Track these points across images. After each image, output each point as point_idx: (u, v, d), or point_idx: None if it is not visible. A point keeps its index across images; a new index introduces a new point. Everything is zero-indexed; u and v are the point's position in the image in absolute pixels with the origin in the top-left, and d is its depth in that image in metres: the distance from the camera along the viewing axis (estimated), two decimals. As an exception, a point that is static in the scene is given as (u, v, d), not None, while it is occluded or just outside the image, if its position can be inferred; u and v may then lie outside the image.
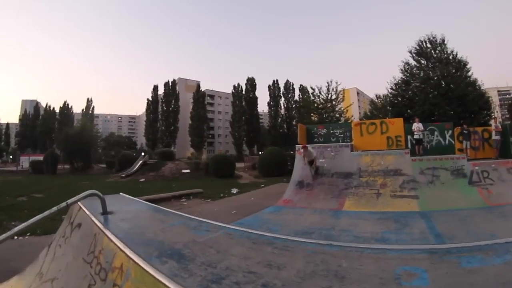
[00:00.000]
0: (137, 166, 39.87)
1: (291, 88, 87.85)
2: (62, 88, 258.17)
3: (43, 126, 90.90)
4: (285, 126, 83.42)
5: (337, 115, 41.80)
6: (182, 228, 4.46)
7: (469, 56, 35.37)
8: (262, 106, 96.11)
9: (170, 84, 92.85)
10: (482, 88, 34.71)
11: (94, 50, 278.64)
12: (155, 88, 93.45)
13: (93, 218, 4.28)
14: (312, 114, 43.62)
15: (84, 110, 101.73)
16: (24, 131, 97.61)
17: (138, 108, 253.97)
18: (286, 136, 76.45)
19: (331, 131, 18.64)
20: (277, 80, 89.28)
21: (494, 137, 16.88)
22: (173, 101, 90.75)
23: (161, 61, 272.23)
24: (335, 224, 10.28)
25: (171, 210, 5.87)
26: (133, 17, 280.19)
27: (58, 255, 4.67)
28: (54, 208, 4.51)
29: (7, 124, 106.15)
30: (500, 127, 17.14)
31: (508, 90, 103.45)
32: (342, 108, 43.18)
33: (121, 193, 7.40)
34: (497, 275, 2.39)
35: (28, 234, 9.90)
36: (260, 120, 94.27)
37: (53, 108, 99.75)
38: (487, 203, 12.45)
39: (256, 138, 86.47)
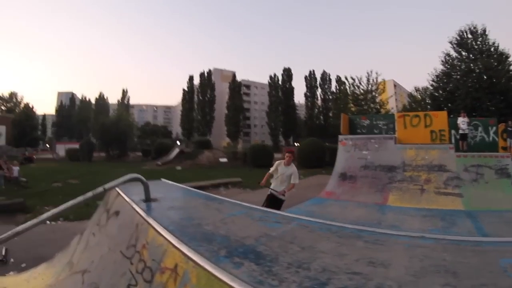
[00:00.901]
0: (174, 154, 39.96)
1: (327, 79, 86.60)
2: (98, 79, 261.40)
3: (79, 116, 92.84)
4: (321, 117, 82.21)
5: (377, 107, 41.41)
6: (246, 219, 3.78)
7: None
8: (299, 97, 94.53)
9: (206, 74, 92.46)
10: None
11: (130, 41, 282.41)
12: (191, 78, 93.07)
13: (134, 205, 3.82)
14: (351, 105, 43.02)
15: (120, 100, 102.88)
16: (60, 121, 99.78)
17: (173, 98, 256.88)
18: (322, 128, 75.08)
19: (374, 123, 18.09)
20: (313, 71, 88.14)
21: None
22: (208, 90, 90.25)
23: (197, 52, 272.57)
24: (381, 219, 10.23)
25: (226, 198, 5.08)
26: (169, 8, 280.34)
27: (92, 245, 4.30)
28: (89, 193, 3.96)
29: (44, 115, 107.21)
30: None
31: None
32: (382, 100, 42.57)
33: (162, 179, 6.90)
34: None
35: (61, 219, 9.93)
36: (297, 111, 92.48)
37: (89, 99, 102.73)
38: None
39: (292, 129, 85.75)
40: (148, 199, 4.26)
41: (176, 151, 41.04)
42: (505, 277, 2.04)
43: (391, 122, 17.57)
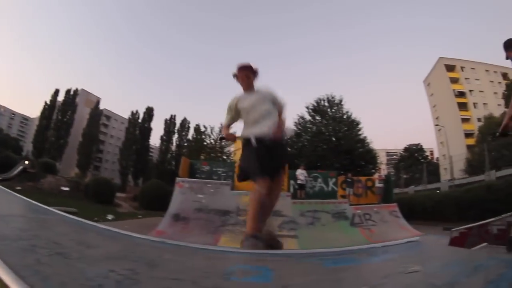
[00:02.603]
0: (16, 171, 36.14)
1: (187, 126, 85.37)
2: None
3: None
4: (173, 163, 79.48)
5: (224, 157, 42.66)
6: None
7: (370, 121, 38.11)
8: (155, 139, 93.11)
9: (72, 92, 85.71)
10: (370, 145, 37.40)
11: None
12: (56, 92, 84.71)
13: None
14: (202, 155, 43.34)
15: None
16: None
17: (34, 109, 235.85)
18: (172, 173, 73.61)
19: (214, 169, 18.60)
20: (175, 116, 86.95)
21: (377, 184, 18.59)
22: (69, 112, 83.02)
23: (72, 60, 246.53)
24: None
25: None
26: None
27: None
28: None
29: None
30: (383, 176, 18.42)
31: (396, 152, 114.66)
32: (232, 150, 43.49)
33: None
34: (374, 270, 2.50)
35: None
36: (150, 153, 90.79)
37: None
38: (369, 241, 12.92)
39: (143, 171, 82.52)
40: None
41: (19, 168, 37.14)
42: (220, 278, 2.13)
43: (231, 170, 18.13)
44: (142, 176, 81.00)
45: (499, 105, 61.69)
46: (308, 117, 40.23)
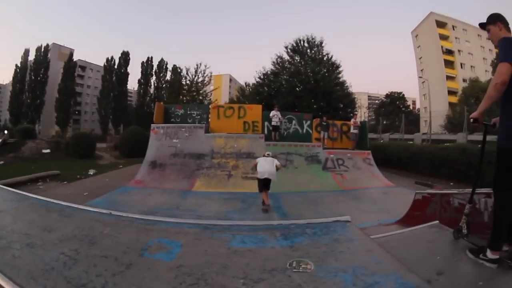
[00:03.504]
0: None
1: (164, 67, 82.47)
2: None
3: None
4: (152, 106, 77.21)
5: (201, 98, 41.97)
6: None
7: (354, 65, 37.62)
8: (133, 83, 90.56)
9: (43, 49, 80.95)
10: (349, 89, 37.14)
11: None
12: (26, 52, 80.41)
13: None
14: (180, 96, 42.98)
15: None
16: None
17: (6, 75, 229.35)
18: (152, 116, 72.26)
19: (189, 112, 18.45)
20: (151, 58, 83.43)
21: (352, 130, 18.40)
22: (42, 69, 78.85)
23: (38, 17, 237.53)
24: (181, 204, 10.42)
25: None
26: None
27: None
28: None
29: None
30: (358, 122, 18.80)
31: (378, 97, 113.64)
32: (207, 92, 43.61)
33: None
34: (267, 259, 2.52)
35: None
36: (129, 98, 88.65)
37: None
38: (340, 187, 13.73)
39: (122, 117, 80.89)
40: None
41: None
42: (137, 255, 2.51)
43: (205, 113, 18.17)
44: (122, 123, 79.79)
45: (486, 71, 61.94)
46: (286, 57, 39.48)
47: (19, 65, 78.43)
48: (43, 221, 3.50)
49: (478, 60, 69.15)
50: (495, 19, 3.52)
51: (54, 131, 76.26)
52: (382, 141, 33.86)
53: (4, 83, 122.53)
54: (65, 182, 15.68)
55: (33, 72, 77.64)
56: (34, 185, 15.01)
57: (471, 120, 3.48)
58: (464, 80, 64.58)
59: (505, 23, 3.48)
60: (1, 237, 2.81)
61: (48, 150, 31.89)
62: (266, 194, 9.66)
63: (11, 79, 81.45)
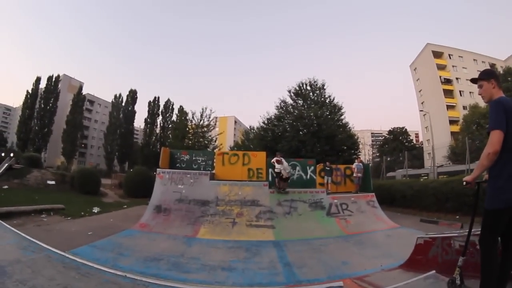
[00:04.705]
0: (3, 169, 35.72)
1: (170, 107, 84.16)
2: None
3: None
4: (158, 145, 77.13)
5: (205, 142, 42.42)
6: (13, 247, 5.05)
7: (356, 103, 37.89)
8: (140, 121, 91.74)
9: (54, 79, 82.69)
10: (352, 130, 37.55)
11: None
12: (38, 80, 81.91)
13: None
14: (185, 139, 43.20)
15: None
16: None
17: (17, 98, 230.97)
18: (157, 156, 72.11)
19: (194, 158, 18.69)
20: (158, 97, 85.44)
21: (355, 174, 18.55)
22: (52, 99, 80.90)
23: (51, 50, 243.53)
24: (185, 252, 10.17)
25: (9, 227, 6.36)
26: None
27: None
28: None
29: None
30: (361, 167, 18.90)
31: (381, 133, 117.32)
32: (212, 136, 43.94)
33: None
34: None
35: None
36: (135, 136, 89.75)
37: None
38: (344, 232, 13.49)
39: (128, 155, 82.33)
40: None
41: (5, 166, 36.79)
42: None
43: (210, 159, 18.50)
44: (127, 160, 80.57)
45: (485, 96, 62.42)
46: (290, 101, 39.90)
47: (30, 91, 79.69)
48: (63, 279, 3.76)
49: (476, 86, 68.69)
50: (490, 76, 3.71)
51: (59, 161, 77.53)
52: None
53: (14, 106, 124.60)
54: (69, 218, 15.59)
55: (43, 100, 79.38)
56: (38, 216, 14.92)
57: (464, 183, 3.70)
58: (464, 108, 65.19)
59: (499, 81, 3.66)
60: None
61: (53, 182, 31.77)
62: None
63: (21, 103, 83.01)
